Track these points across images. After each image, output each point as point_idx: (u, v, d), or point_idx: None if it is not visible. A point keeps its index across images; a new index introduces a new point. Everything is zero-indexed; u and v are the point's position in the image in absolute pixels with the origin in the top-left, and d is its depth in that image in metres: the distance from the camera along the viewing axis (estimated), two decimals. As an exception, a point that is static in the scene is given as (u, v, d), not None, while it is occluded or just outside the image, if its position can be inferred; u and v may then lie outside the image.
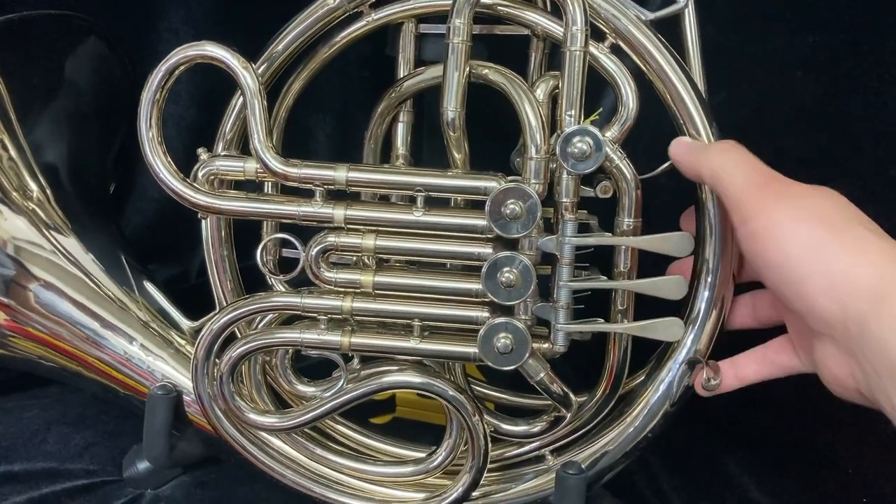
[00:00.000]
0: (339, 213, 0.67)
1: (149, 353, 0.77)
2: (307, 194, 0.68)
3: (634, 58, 0.67)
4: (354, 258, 0.70)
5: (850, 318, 0.54)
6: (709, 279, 0.68)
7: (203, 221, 0.75)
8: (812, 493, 0.82)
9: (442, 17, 0.71)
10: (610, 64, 0.67)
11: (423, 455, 0.74)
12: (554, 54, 0.72)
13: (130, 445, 0.87)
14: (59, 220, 0.76)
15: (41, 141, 0.78)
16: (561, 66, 0.65)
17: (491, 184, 0.65)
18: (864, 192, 0.81)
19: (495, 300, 0.65)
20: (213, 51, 0.66)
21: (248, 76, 0.66)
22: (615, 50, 0.68)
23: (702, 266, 0.68)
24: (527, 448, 0.74)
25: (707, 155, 0.63)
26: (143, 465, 0.82)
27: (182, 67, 0.67)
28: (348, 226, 0.67)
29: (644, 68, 0.67)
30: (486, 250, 0.66)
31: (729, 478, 0.85)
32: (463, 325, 0.68)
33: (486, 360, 0.66)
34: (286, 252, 0.77)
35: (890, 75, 0.82)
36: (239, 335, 0.73)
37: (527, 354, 0.65)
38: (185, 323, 0.79)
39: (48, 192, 0.76)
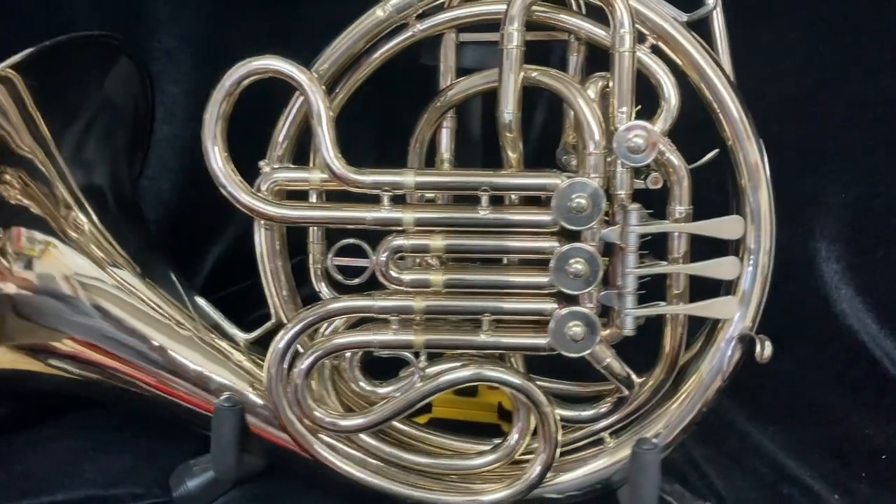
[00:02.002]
0: (408, 215, 0.69)
1: (208, 368, 0.77)
2: (354, 200, 0.71)
3: (674, 56, 0.72)
4: (417, 259, 0.72)
5: None
6: (751, 260, 0.73)
7: (256, 234, 0.77)
8: (836, 458, 0.88)
9: (480, 25, 0.75)
10: (652, 63, 0.71)
11: (486, 447, 0.77)
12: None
13: (169, 467, 0.86)
14: (112, 250, 0.76)
15: (81, 167, 0.78)
16: (611, 67, 0.69)
17: (553, 180, 0.69)
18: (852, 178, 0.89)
19: (564, 291, 0.69)
20: (278, 65, 0.68)
21: (315, 90, 0.67)
22: (654, 50, 0.72)
23: (744, 249, 0.73)
24: (584, 432, 0.77)
25: None
26: (193, 483, 0.82)
27: (245, 82, 0.68)
28: (417, 228, 0.69)
29: (683, 66, 0.72)
30: (552, 244, 0.69)
31: (756, 446, 0.90)
32: (531, 318, 0.71)
33: (559, 348, 0.70)
34: (336, 261, 0.79)
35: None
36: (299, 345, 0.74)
37: (597, 341, 0.69)
38: (240, 335, 0.80)
39: (96, 219, 0.76)
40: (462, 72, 0.77)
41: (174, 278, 0.80)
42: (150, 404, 0.79)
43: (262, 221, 0.75)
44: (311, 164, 0.75)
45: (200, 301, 0.80)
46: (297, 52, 0.72)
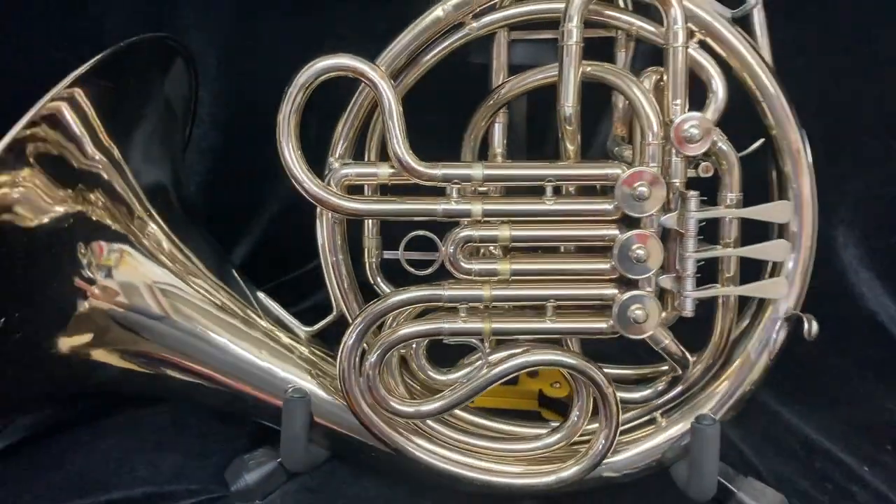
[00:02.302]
0: (476, 207, 0.72)
1: (275, 362, 0.79)
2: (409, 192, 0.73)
3: (721, 51, 0.75)
4: (482, 249, 0.75)
5: None
6: (796, 244, 0.77)
7: (318, 229, 0.79)
8: (862, 434, 0.93)
9: (529, 24, 0.78)
10: (700, 58, 0.75)
11: (543, 431, 0.80)
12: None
13: (219, 464, 0.88)
14: (182, 257, 0.78)
15: (148, 173, 0.79)
16: (664, 61, 0.73)
17: (615, 170, 0.72)
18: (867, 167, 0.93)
19: (628, 275, 0.72)
20: (350, 62, 0.70)
21: (386, 87, 0.70)
22: (702, 45, 0.76)
23: (788, 233, 0.77)
24: (637, 412, 0.81)
25: None
26: (251, 477, 0.84)
27: (319, 79, 0.70)
28: (484, 219, 0.72)
29: (729, 59, 0.76)
30: (614, 231, 0.72)
31: (786, 425, 0.95)
32: (594, 303, 0.74)
33: (622, 331, 0.73)
34: (386, 254, 0.81)
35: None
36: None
37: (657, 322, 0.72)
38: (302, 329, 0.82)
39: (165, 227, 0.78)
40: (512, 69, 0.80)
41: (236, 275, 0.81)
42: (221, 398, 0.81)
43: (328, 217, 0.77)
44: (366, 159, 0.78)
45: (262, 296, 0.82)
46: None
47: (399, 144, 0.71)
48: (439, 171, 0.72)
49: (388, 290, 0.80)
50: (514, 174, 0.73)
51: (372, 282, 0.82)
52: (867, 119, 0.95)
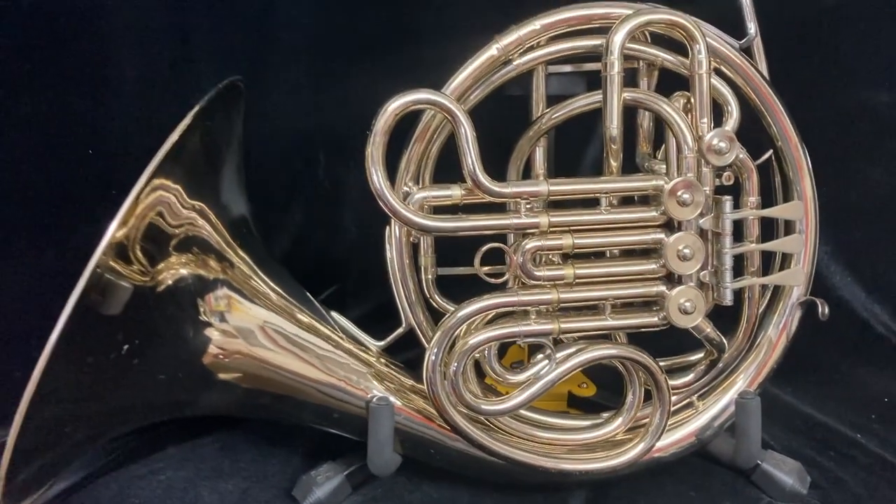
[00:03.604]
0: (544, 220, 0.81)
1: (356, 376, 0.86)
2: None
3: (734, 77, 0.87)
4: (544, 257, 0.84)
5: None
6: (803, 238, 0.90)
7: (387, 250, 0.86)
8: (849, 406, 1.06)
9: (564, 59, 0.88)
10: (717, 83, 0.87)
11: (599, 420, 0.89)
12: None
13: (281, 485, 0.93)
14: (270, 291, 0.86)
15: (234, 216, 0.86)
16: (691, 87, 0.84)
17: (659, 182, 0.82)
18: (833, 174, 1.08)
19: (677, 273, 0.82)
20: (433, 97, 0.78)
21: (463, 117, 0.78)
22: (716, 71, 0.88)
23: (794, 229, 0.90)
24: (677, 398, 0.91)
25: None
26: (321, 492, 0.89)
27: (404, 111, 0.78)
28: (551, 230, 0.81)
29: (739, 83, 0.88)
30: (660, 235, 0.83)
31: (784, 404, 1.07)
32: (644, 299, 0.84)
33: (673, 322, 0.83)
34: (441, 270, 0.89)
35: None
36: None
37: (704, 312, 0.83)
38: (373, 343, 0.88)
39: (254, 266, 0.85)
40: (550, 99, 0.90)
41: (310, 297, 0.87)
42: (308, 414, 0.86)
43: (397, 238, 0.85)
44: (422, 182, 0.86)
45: (336, 316, 0.88)
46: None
47: (476, 168, 0.79)
48: (510, 189, 0.80)
49: (443, 303, 0.88)
50: (576, 189, 0.82)
51: (428, 296, 0.89)
52: (829, 133, 1.11)
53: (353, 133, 1.14)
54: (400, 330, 0.87)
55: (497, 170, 0.87)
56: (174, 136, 0.73)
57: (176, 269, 0.78)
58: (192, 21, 1.10)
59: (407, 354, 0.92)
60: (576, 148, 1.18)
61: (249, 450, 1.00)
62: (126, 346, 0.73)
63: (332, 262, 1.21)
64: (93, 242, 1.08)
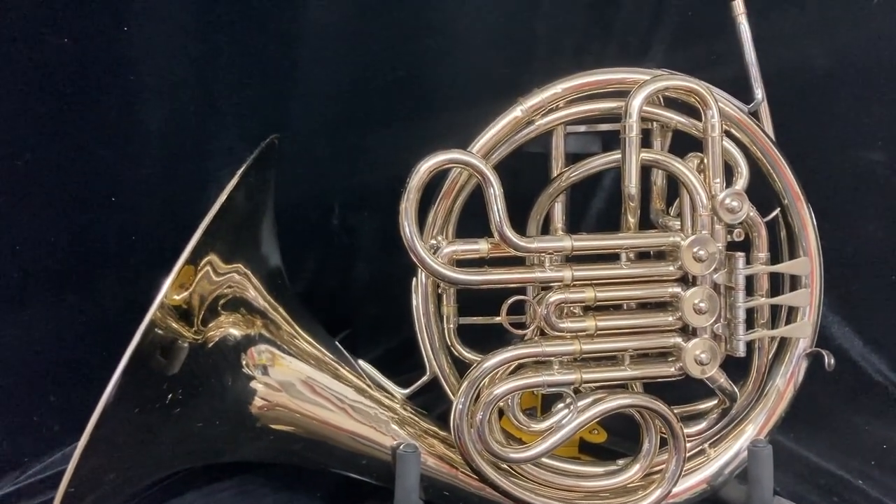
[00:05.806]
0: (567, 273, 0.85)
1: (382, 424, 0.89)
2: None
3: (743, 138, 0.92)
4: (566, 309, 0.87)
5: None
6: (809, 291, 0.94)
7: (413, 300, 0.89)
8: (845, 451, 1.10)
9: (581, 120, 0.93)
10: (727, 145, 0.91)
11: (616, 467, 0.92)
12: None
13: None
14: (306, 344, 0.90)
15: (269, 271, 0.89)
16: (704, 148, 0.88)
17: (676, 238, 0.87)
18: (831, 229, 1.13)
19: (691, 325, 0.86)
20: (463, 157, 0.82)
21: (493, 176, 0.82)
22: (727, 134, 0.92)
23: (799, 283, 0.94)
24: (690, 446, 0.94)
25: None
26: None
27: (434, 171, 0.82)
28: (574, 283, 0.85)
29: (748, 145, 0.93)
30: (677, 289, 0.87)
31: (787, 450, 1.10)
32: (663, 350, 0.88)
33: (690, 373, 0.86)
34: (463, 320, 0.93)
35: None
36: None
37: (718, 364, 0.87)
38: (398, 391, 0.91)
39: (290, 319, 0.89)
40: (569, 157, 0.94)
41: (339, 346, 0.90)
42: (336, 460, 0.89)
43: (423, 289, 0.88)
44: (445, 235, 0.89)
45: (363, 364, 0.91)
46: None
47: (504, 224, 0.83)
48: (535, 244, 0.84)
49: (463, 351, 0.91)
50: (597, 245, 0.86)
51: (449, 344, 0.92)
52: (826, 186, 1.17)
53: (368, 182, 1.20)
54: (425, 378, 0.90)
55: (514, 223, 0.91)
56: (223, 197, 0.75)
57: (224, 327, 0.81)
58: (218, 75, 1.13)
59: (423, 398, 0.95)
60: (581, 200, 1.23)
61: (269, 494, 1.02)
62: (170, 396, 0.75)
63: (344, 307, 1.24)
64: (113, 290, 1.12)
